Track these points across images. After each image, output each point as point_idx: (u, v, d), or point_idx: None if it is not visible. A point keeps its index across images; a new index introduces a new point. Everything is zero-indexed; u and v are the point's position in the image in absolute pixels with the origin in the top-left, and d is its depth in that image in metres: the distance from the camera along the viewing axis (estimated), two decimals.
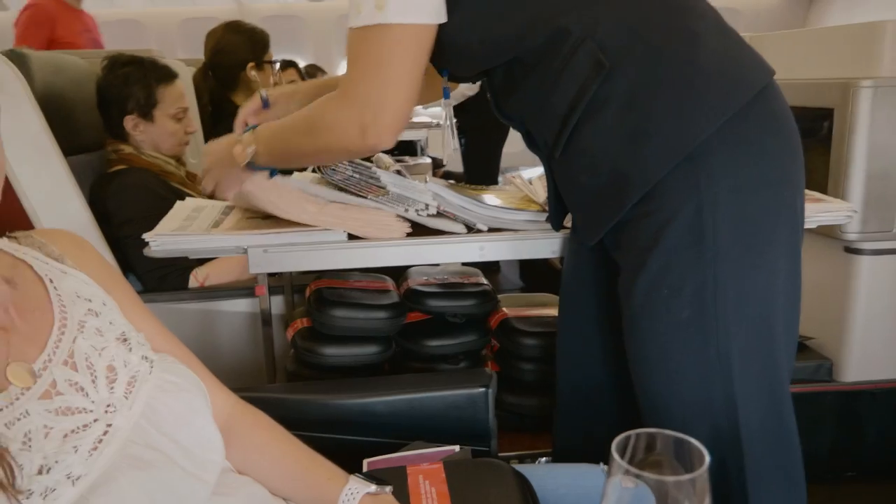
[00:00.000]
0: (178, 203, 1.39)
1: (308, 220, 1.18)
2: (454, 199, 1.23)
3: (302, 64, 3.72)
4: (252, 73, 2.45)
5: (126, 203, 1.68)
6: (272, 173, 1.19)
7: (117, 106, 1.78)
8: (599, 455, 0.98)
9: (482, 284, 1.44)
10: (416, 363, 1.39)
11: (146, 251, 1.16)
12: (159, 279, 1.65)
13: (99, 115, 1.81)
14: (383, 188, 1.21)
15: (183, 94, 1.84)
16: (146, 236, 1.16)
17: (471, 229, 1.23)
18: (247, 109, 1.29)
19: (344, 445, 1.08)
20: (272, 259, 1.17)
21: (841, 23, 3.82)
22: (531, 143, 1.08)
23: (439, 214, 1.22)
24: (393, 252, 1.19)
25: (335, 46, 5.31)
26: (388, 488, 0.78)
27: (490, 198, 1.31)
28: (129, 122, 1.78)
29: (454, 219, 1.23)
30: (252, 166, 1.14)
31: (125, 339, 0.70)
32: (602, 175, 0.94)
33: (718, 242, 0.89)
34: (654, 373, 0.96)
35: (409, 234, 1.20)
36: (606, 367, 1.14)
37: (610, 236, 0.99)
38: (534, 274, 3.05)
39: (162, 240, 1.16)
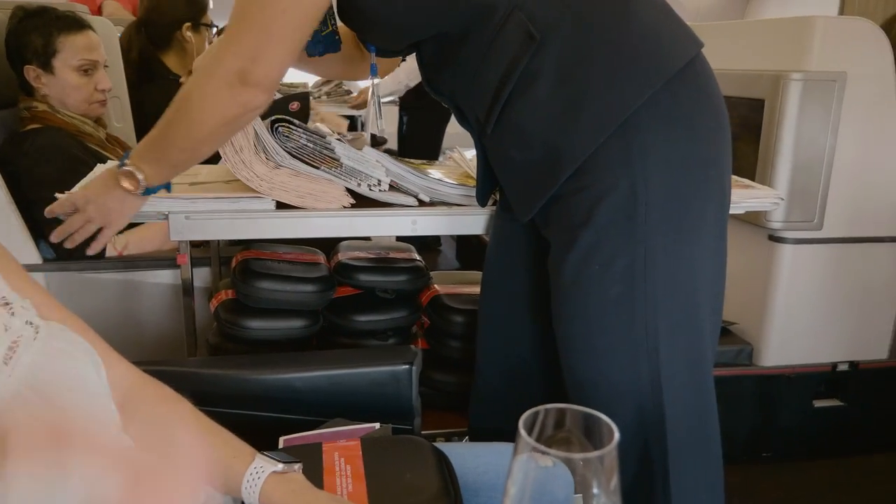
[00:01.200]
0: (101, 165, 1.32)
1: (254, 185, 1.13)
2: (395, 168, 1.22)
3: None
4: (188, 35, 2.33)
5: (39, 164, 1.58)
6: (168, 188, 1.12)
7: (18, 55, 1.67)
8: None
9: (414, 260, 1.41)
10: (345, 339, 1.36)
11: (47, 211, 1.10)
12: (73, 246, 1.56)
13: (11, 69, 1.69)
14: (337, 160, 1.17)
15: (92, 47, 1.72)
16: (59, 195, 1.09)
17: (422, 204, 1.22)
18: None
19: (262, 423, 1.04)
20: (194, 226, 1.12)
21: (778, 14, 3.92)
22: (462, 119, 1.06)
23: (391, 188, 1.21)
24: (323, 223, 1.16)
25: None
26: (297, 466, 0.74)
27: (432, 171, 1.29)
28: (30, 72, 1.67)
29: (405, 193, 1.21)
30: (149, 191, 1.06)
31: (6, 304, 0.65)
32: (534, 150, 0.93)
33: (650, 219, 0.89)
34: (582, 351, 0.96)
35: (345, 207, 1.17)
36: (530, 344, 1.14)
37: (541, 213, 0.98)
38: (470, 253, 3.04)
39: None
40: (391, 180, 1.21)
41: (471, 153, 1.49)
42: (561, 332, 0.98)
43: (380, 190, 1.19)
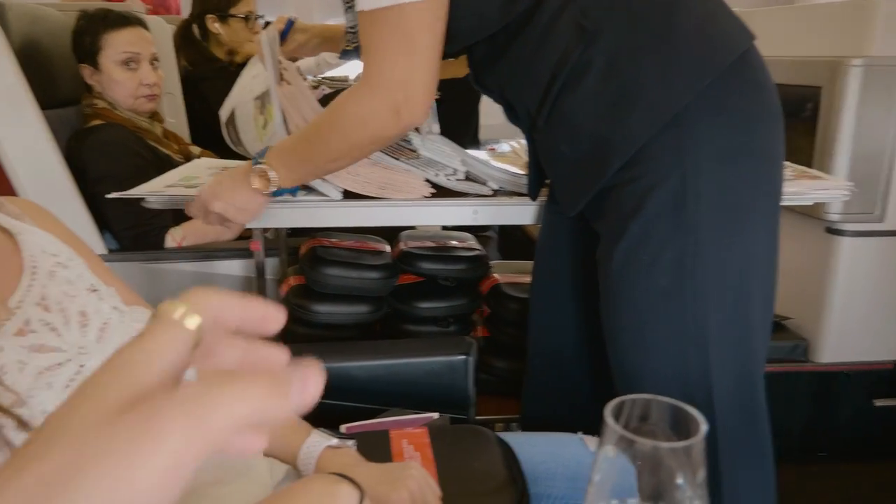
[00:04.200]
0: (176, 170, 1.41)
1: (339, 181, 1.15)
2: (470, 158, 1.25)
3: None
4: (215, 26, 2.35)
5: (102, 159, 1.63)
6: (294, 193, 1.13)
7: (75, 55, 1.74)
8: (568, 423, 0.99)
9: (475, 249, 1.43)
10: (407, 324, 1.39)
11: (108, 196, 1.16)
12: (135, 238, 1.61)
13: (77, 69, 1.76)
14: (415, 151, 1.20)
15: (134, 41, 1.76)
16: (139, 189, 1.14)
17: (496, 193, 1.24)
18: (268, 32, 1.20)
19: (321, 410, 1.05)
20: (269, 214, 1.15)
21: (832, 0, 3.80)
22: (512, 114, 1.06)
23: (466, 178, 1.23)
24: (388, 213, 1.18)
25: (316, 11, 5.20)
26: (351, 443, 0.77)
27: (495, 162, 1.32)
28: (85, 70, 1.73)
29: (483, 183, 1.23)
30: (277, 193, 1.07)
31: (95, 290, 0.70)
32: (584, 143, 0.93)
33: (700, 211, 0.88)
34: (630, 342, 0.95)
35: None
36: (578, 335, 1.15)
37: (590, 206, 0.98)
38: (512, 244, 3.04)
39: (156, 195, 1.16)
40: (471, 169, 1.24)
41: (505, 147, 1.50)
42: (609, 324, 0.98)
43: (456, 179, 1.21)
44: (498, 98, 1.06)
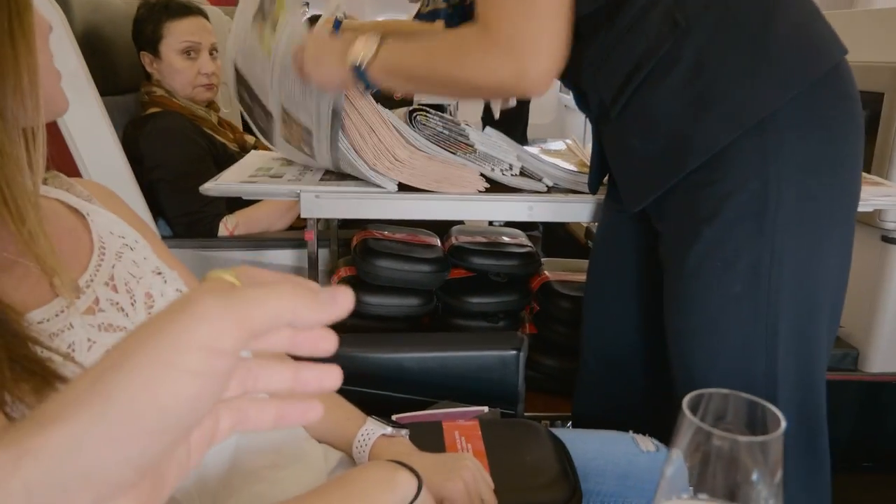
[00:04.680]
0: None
1: (395, 174, 1.16)
2: (526, 154, 1.26)
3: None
4: None
5: (159, 146, 1.67)
6: (372, 90, 1.07)
7: (137, 43, 1.78)
8: (619, 422, 0.99)
9: (526, 246, 1.44)
10: (457, 319, 1.40)
11: (202, 189, 1.18)
12: (188, 225, 1.64)
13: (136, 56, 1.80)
14: (471, 146, 1.21)
15: (195, 30, 1.79)
16: (205, 187, 1.18)
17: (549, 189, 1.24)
18: (315, 33, 1.14)
19: (372, 400, 1.08)
20: (324, 205, 1.17)
21: (892, 4, 3.71)
22: (582, 102, 1.05)
23: (521, 174, 1.24)
24: (442, 206, 1.19)
25: (367, 6, 5.21)
26: (405, 432, 0.78)
27: (550, 159, 1.32)
28: (145, 58, 1.78)
29: (539, 179, 1.24)
30: (358, 73, 0.98)
31: (160, 273, 0.71)
32: (659, 139, 0.92)
33: (779, 219, 0.87)
34: (698, 345, 0.94)
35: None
36: (635, 336, 1.14)
37: (655, 205, 0.97)
38: (555, 242, 3.03)
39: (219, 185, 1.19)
40: (528, 167, 1.25)
41: (559, 144, 1.50)
42: (675, 326, 0.97)
43: (511, 174, 1.21)
44: (570, 85, 1.05)
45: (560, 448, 0.85)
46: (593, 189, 1.17)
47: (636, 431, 0.96)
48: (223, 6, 2.61)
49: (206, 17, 1.85)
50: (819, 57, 0.87)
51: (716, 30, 0.87)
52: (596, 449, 0.93)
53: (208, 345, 0.28)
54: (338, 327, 1.29)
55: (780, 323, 0.90)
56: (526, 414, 1.18)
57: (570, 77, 1.02)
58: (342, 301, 0.33)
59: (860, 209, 1.25)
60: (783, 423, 0.43)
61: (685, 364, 0.97)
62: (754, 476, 0.44)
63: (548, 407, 1.39)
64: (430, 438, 0.84)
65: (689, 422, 0.43)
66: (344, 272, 1.38)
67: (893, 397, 1.84)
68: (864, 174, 1.36)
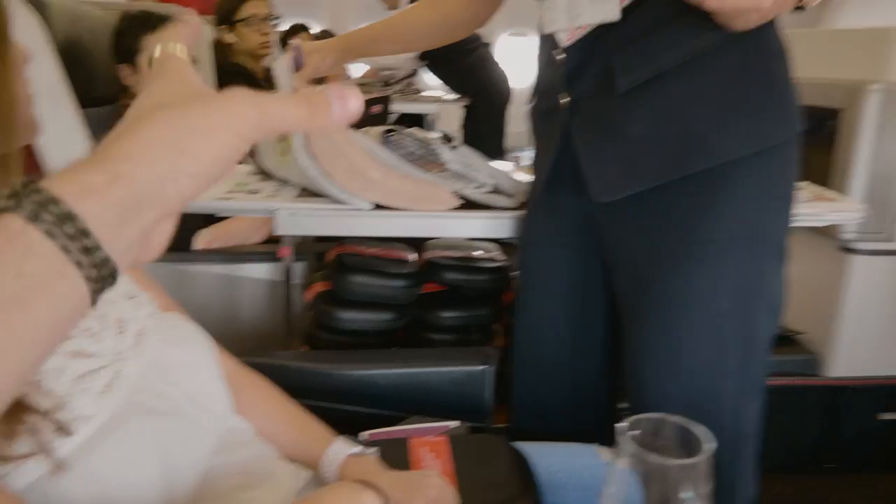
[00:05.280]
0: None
1: (370, 196, 1.18)
2: (498, 171, 1.29)
3: (315, 30, 3.66)
4: (227, 36, 2.37)
5: None
6: None
7: (114, 56, 1.77)
8: (558, 432, 1.02)
9: (498, 260, 1.47)
10: (429, 333, 1.43)
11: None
12: None
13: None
14: (443, 165, 1.24)
15: None
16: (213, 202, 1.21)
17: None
18: (279, 63, 1.17)
19: (344, 416, 1.10)
20: (298, 222, 1.19)
21: (857, 24, 3.82)
22: (575, 72, 0.98)
23: (494, 191, 1.27)
24: (416, 223, 1.23)
25: (352, 13, 5.20)
26: (373, 450, 0.81)
27: (522, 175, 1.35)
28: (124, 70, 1.77)
29: (511, 196, 1.27)
30: None
31: (132, 297, 0.73)
32: (669, 131, 0.92)
33: (765, 240, 0.94)
34: (675, 360, 0.96)
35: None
36: (570, 345, 1.15)
37: (637, 204, 0.96)
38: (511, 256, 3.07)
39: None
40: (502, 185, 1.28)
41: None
42: (651, 342, 0.98)
43: (483, 192, 1.25)
44: (584, 43, 0.96)
45: (522, 462, 0.89)
46: (548, 189, 1.10)
47: (587, 442, 0.99)
48: (204, 16, 2.61)
49: None
50: (800, 114, 0.96)
51: (758, 48, 0.91)
52: (559, 462, 0.96)
53: (248, 117, 0.35)
54: (311, 343, 1.32)
55: (755, 339, 0.96)
56: (498, 426, 1.21)
57: (591, 37, 0.95)
58: (353, 103, 0.38)
59: (815, 223, 1.34)
60: (710, 445, 0.47)
61: (657, 379, 0.98)
62: (686, 492, 0.48)
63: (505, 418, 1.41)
64: (397, 455, 0.86)
65: (627, 446, 0.47)
66: (319, 287, 1.41)
67: (853, 400, 1.91)
68: (820, 190, 1.43)
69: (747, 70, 0.91)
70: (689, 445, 0.49)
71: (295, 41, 1.24)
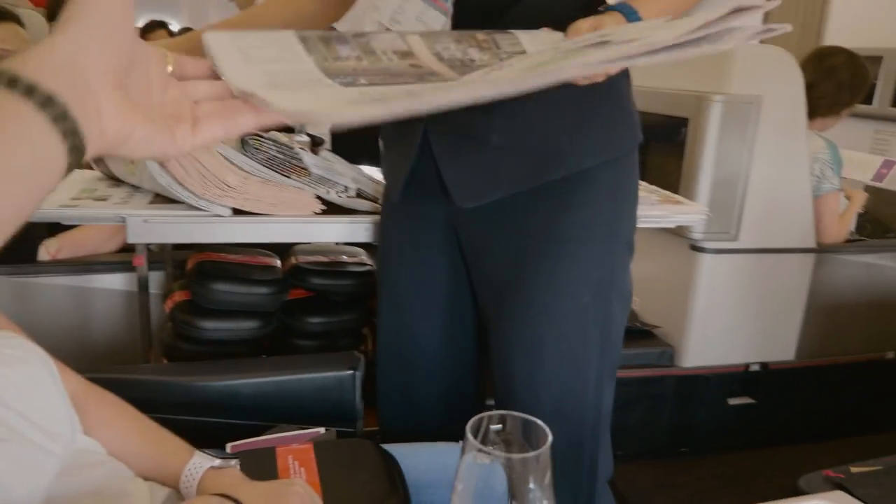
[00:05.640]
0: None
1: (228, 202, 1.14)
2: (361, 176, 1.29)
3: (175, 27, 3.51)
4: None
5: None
6: None
7: None
8: (429, 431, 1.05)
9: (366, 264, 1.46)
10: (297, 340, 1.40)
11: None
12: (5, 250, 1.52)
13: None
14: (306, 169, 1.21)
15: (8, 38, 1.67)
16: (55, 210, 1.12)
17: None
18: None
19: (207, 428, 1.06)
20: (152, 229, 1.13)
21: None
22: None
23: (358, 195, 1.26)
24: (278, 229, 1.20)
25: (212, 9, 5.02)
26: (234, 462, 0.79)
27: None
28: None
29: (368, 199, 1.26)
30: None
31: None
32: (527, 142, 0.97)
33: (618, 237, 1.01)
34: (542, 353, 1.01)
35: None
36: (436, 342, 1.17)
37: (497, 212, 1.00)
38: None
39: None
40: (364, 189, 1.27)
41: None
42: (518, 337, 1.03)
43: (347, 196, 1.24)
44: None
45: (391, 464, 0.89)
46: (403, 193, 1.08)
47: (450, 439, 1.01)
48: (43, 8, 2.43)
49: (20, 23, 1.73)
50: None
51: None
52: (427, 461, 0.98)
53: None
54: (171, 354, 1.26)
55: (612, 328, 1.03)
56: (369, 429, 1.21)
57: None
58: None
59: (664, 224, 1.43)
60: (550, 437, 0.49)
61: (525, 371, 1.02)
62: (530, 483, 0.50)
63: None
64: (262, 466, 0.84)
65: (471, 444, 0.49)
66: (178, 296, 1.35)
67: (705, 388, 2.06)
68: (669, 194, 1.54)
69: (598, 86, 0.95)
70: (531, 439, 0.51)
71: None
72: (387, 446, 0.96)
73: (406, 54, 0.63)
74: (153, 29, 3.21)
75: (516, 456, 0.48)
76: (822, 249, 2.04)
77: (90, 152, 0.39)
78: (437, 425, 1.16)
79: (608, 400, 1.07)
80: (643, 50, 0.52)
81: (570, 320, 1.00)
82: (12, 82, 0.36)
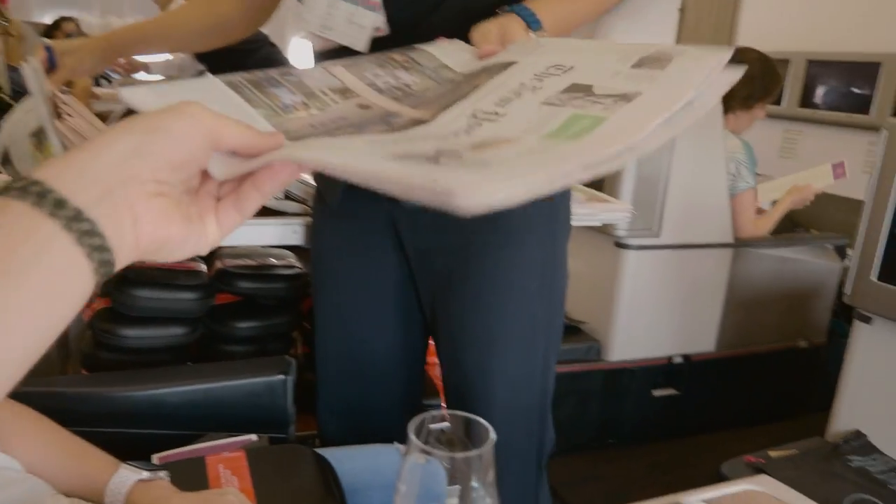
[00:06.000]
0: None
1: None
2: (295, 181, 1.25)
3: (89, 22, 3.34)
4: None
5: None
6: None
7: None
8: (370, 433, 1.04)
9: (295, 267, 1.43)
10: (225, 345, 1.36)
11: None
12: None
13: None
14: None
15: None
16: None
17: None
18: (29, 65, 1.07)
19: (132, 440, 1.02)
20: None
21: (625, 34, 4.28)
22: None
23: (286, 197, 1.23)
24: None
25: (127, 5, 4.83)
26: (163, 474, 0.76)
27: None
28: None
29: (303, 201, 1.24)
30: None
31: None
32: None
33: (560, 225, 1.04)
34: (494, 342, 1.03)
35: None
36: (379, 344, 1.15)
37: (436, 209, 1.01)
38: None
39: None
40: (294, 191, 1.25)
41: None
42: (467, 328, 1.04)
43: (275, 199, 1.21)
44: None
45: (325, 468, 0.88)
46: (344, 193, 1.07)
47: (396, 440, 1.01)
48: None
49: None
50: None
51: None
52: (363, 464, 0.97)
53: None
54: (92, 365, 1.20)
55: (554, 315, 1.06)
56: (301, 434, 1.19)
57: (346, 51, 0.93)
58: None
59: (590, 222, 1.47)
60: (493, 435, 0.49)
61: (477, 360, 1.04)
62: (473, 482, 0.50)
63: (312, 425, 1.39)
64: (192, 476, 0.82)
65: (414, 444, 0.48)
66: (98, 304, 1.28)
67: (630, 381, 2.13)
68: (594, 192, 1.58)
69: None
70: (474, 437, 0.51)
71: (47, 41, 1.11)
72: (321, 450, 0.94)
73: (344, 91, 0.61)
74: (60, 24, 3.06)
75: (459, 455, 0.48)
76: (738, 244, 2.14)
77: (122, 264, 0.37)
78: (382, 428, 1.15)
79: (552, 379, 1.11)
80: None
81: (519, 308, 1.03)
82: (41, 196, 0.34)
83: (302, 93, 0.58)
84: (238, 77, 0.56)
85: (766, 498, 0.82)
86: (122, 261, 0.37)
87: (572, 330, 2.09)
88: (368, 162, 0.45)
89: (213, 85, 0.55)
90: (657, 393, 2.17)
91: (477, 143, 0.49)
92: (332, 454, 0.94)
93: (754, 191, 2.16)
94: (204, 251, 0.43)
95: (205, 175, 0.44)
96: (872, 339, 1.36)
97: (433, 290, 1.08)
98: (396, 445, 1.00)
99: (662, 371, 2.17)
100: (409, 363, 1.17)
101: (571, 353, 2.03)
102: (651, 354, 2.13)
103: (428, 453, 0.48)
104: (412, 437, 0.49)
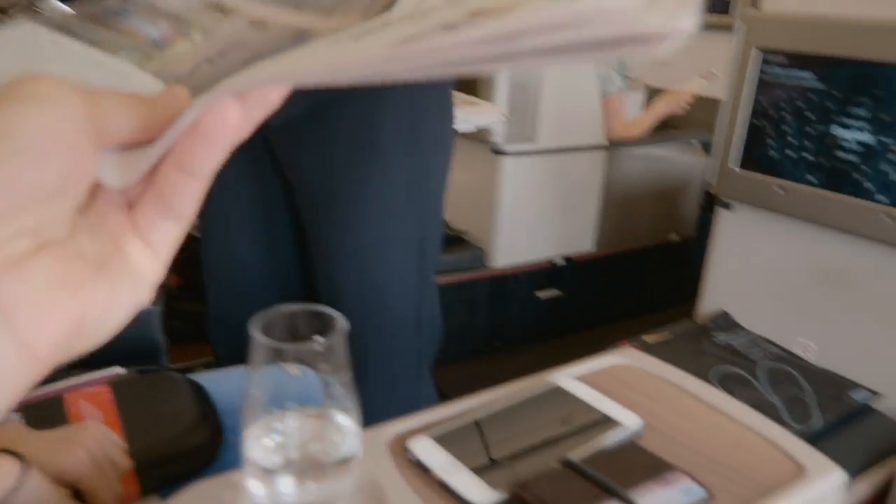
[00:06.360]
0: None
1: None
2: None
3: None
4: None
5: None
6: None
7: None
8: None
9: None
10: None
11: None
12: None
13: None
14: None
15: None
16: None
17: None
18: None
19: None
20: None
21: None
22: None
23: None
24: None
25: None
26: (15, 416, 0.71)
27: None
28: None
29: None
30: None
31: None
32: None
33: (427, 139, 1.03)
34: (363, 262, 1.03)
35: None
36: (262, 262, 1.16)
37: (299, 123, 0.99)
38: None
39: None
40: None
41: None
42: (339, 249, 1.04)
43: None
44: None
45: (199, 392, 0.85)
46: None
47: None
48: None
49: None
50: None
51: None
52: (237, 384, 0.95)
53: None
54: None
55: (428, 228, 1.06)
56: (175, 365, 1.15)
57: None
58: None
59: (464, 128, 1.45)
60: (343, 325, 0.48)
61: (356, 278, 1.04)
62: (330, 379, 0.49)
63: (201, 354, 1.36)
64: (50, 416, 0.77)
65: (261, 343, 0.46)
66: None
67: (515, 286, 2.19)
68: (467, 97, 1.56)
69: None
70: (327, 332, 0.50)
71: None
72: (197, 376, 0.91)
73: (218, 6, 0.38)
74: None
75: (304, 346, 0.47)
76: (610, 146, 2.20)
77: (12, 401, 0.23)
78: None
79: (431, 289, 1.12)
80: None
81: (386, 227, 1.03)
82: None
83: (164, 19, 0.38)
84: (63, 16, 0.35)
85: (634, 370, 0.87)
86: (9, 399, 0.23)
87: (455, 240, 2.11)
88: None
89: (35, 35, 0.33)
90: (541, 295, 2.25)
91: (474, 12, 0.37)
92: (206, 377, 0.91)
93: (622, 93, 2.22)
94: (146, 296, 0.28)
95: (94, 186, 0.26)
96: (734, 224, 1.44)
97: (306, 208, 1.07)
98: (278, 362, 0.99)
99: (545, 273, 2.24)
100: (281, 278, 1.15)
101: (456, 262, 2.05)
102: (534, 258, 2.19)
103: (276, 348, 0.46)
104: (256, 334, 0.47)
